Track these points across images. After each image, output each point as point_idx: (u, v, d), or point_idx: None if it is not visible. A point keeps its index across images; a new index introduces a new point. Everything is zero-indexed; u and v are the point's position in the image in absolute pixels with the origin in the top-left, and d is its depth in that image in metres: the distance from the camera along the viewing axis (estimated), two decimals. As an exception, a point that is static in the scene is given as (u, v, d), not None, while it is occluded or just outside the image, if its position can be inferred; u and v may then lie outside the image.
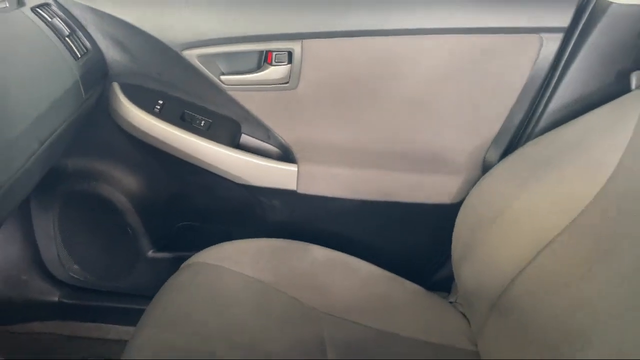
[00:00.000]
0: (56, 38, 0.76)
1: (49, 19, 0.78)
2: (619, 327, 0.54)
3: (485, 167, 0.92)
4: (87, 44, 0.84)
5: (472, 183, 0.87)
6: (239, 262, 0.84)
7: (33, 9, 0.76)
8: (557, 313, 0.64)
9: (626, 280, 0.57)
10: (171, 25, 0.84)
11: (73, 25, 0.83)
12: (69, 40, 0.79)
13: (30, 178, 0.67)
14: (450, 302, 0.93)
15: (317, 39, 0.83)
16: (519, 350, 0.67)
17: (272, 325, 0.76)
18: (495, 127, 0.89)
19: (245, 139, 0.97)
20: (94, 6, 0.84)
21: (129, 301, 1.17)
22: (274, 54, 0.85)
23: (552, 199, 0.72)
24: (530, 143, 0.81)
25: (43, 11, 0.78)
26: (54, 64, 0.73)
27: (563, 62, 0.82)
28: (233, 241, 0.89)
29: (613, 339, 0.54)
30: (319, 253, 0.90)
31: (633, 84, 0.76)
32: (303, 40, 0.83)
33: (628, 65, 0.77)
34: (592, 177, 0.69)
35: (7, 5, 0.72)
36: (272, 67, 0.86)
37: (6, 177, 0.59)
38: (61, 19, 0.81)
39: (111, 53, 0.88)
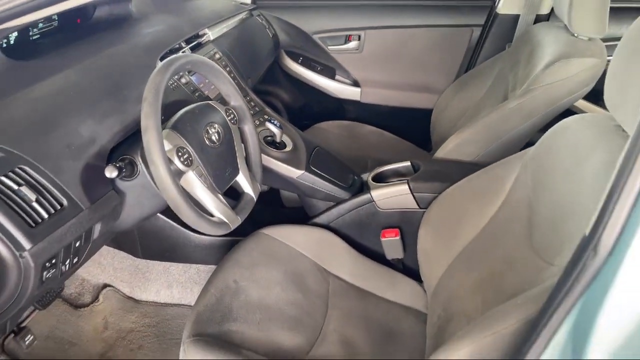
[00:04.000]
0: (264, 28, 1.89)
1: (260, 20, 1.91)
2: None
3: (450, 90, 1.94)
4: (273, 30, 1.96)
5: (441, 97, 1.90)
6: (333, 126, 1.93)
7: (254, 17, 1.89)
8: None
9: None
10: (314, 21, 1.95)
11: (267, 22, 1.95)
12: (267, 29, 1.91)
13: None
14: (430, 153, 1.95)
15: (372, 30, 1.91)
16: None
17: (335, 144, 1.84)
18: (454, 71, 1.91)
19: (337, 76, 2.06)
20: (274, 15, 1.96)
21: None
22: (352, 36, 1.93)
23: (468, 94, 1.73)
24: (463, 75, 1.82)
25: (259, 17, 1.91)
26: (267, 38, 1.86)
27: (482, 41, 1.82)
28: (330, 121, 1.97)
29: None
30: (368, 128, 1.97)
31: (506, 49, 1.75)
32: (365, 30, 1.91)
33: (507, 41, 1.77)
34: (482, 84, 1.69)
35: (248, 15, 1.86)
36: (351, 42, 1.94)
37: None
38: (263, 20, 1.93)
39: (281, 35, 2.00)
